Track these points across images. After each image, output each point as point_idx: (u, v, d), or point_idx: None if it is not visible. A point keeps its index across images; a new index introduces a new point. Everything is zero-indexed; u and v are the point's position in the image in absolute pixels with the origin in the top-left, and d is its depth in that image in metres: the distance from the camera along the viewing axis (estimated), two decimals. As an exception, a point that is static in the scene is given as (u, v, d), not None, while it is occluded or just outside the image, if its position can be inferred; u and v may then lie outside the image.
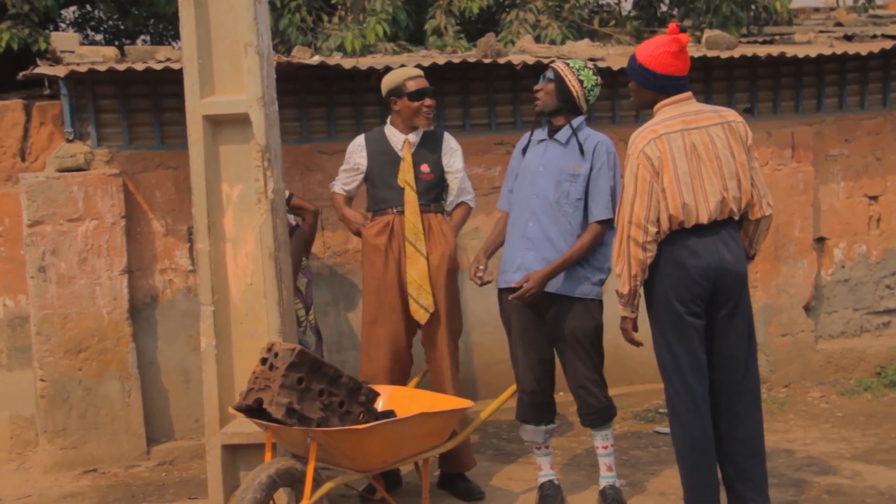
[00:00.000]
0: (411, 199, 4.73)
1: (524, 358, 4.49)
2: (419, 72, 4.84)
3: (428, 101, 4.77)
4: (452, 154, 4.89)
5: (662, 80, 3.98)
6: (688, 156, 3.93)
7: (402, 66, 5.54)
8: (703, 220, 3.93)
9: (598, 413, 4.46)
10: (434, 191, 4.83)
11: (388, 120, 4.88)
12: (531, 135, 4.58)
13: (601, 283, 4.48)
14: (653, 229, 3.93)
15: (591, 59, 5.82)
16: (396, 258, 4.72)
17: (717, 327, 4.02)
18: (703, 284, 3.95)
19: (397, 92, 4.77)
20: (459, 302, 4.92)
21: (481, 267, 4.57)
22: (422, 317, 4.71)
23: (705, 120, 3.99)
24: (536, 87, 4.51)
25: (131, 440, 5.43)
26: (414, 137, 4.80)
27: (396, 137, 4.81)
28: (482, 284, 4.57)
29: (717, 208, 3.94)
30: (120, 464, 5.39)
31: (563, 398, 4.98)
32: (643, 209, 3.92)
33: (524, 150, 4.56)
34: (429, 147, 4.83)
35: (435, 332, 4.75)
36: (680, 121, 3.97)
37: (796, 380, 6.40)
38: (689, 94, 4.04)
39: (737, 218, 4.03)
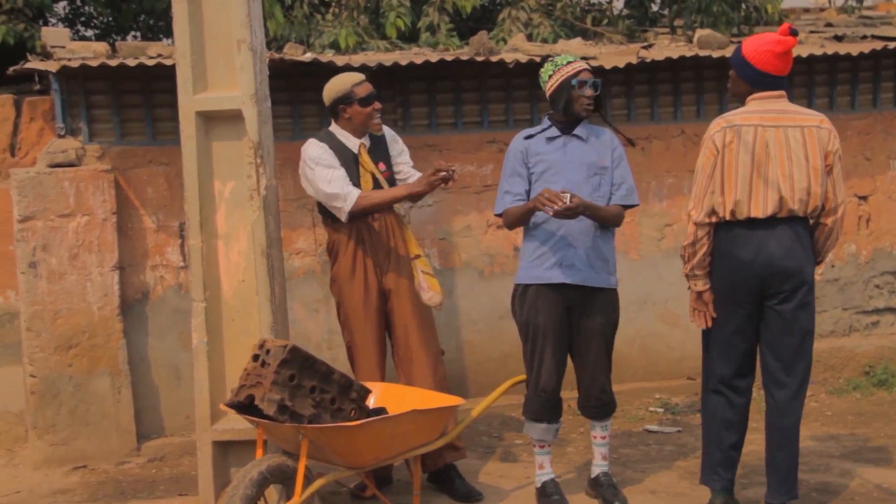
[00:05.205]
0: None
1: (552, 358, 4.47)
2: (362, 76, 4.72)
3: (377, 105, 4.71)
4: (396, 143, 4.88)
5: (760, 75, 4.13)
6: (755, 150, 4.08)
7: (395, 63, 5.56)
8: (757, 213, 4.09)
9: (607, 406, 4.59)
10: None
11: (336, 125, 4.72)
12: (527, 135, 4.53)
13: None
14: (706, 210, 4.13)
15: (584, 58, 5.83)
16: (373, 263, 4.69)
17: (768, 317, 4.20)
18: (746, 276, 4.14)
19: (346, 100, 4.64)
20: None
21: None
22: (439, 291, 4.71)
23: (787, 120, 4.12)
24: (592, 94, 4.46)
25: (121, 436, 5.42)
26: (366, 140, 4.75)
27: (352, 142, 4.69)
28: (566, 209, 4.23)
29: (774, 205, 4.08)
30: (110, 460, 5.38)
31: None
32: (701, 190, 4.14)
33: (527, 150, 4.48)
34: (378, 145, 4.80)
35: (418, 334, 4.72)
36: (759, 116, 4.12)
37: (785, 379, 6.42)
38: (782, 92, 4.17)
39: (801, 216, 4.15)
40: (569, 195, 4.22)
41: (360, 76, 4.72)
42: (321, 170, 4.61)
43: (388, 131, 4.91)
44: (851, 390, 6.25)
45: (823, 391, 6.25)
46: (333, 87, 4.69)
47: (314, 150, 4.65)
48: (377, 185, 4.72)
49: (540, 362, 4.48)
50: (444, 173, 4.48)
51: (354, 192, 4.58)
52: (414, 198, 4.74)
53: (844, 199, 4.23)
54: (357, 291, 4.69)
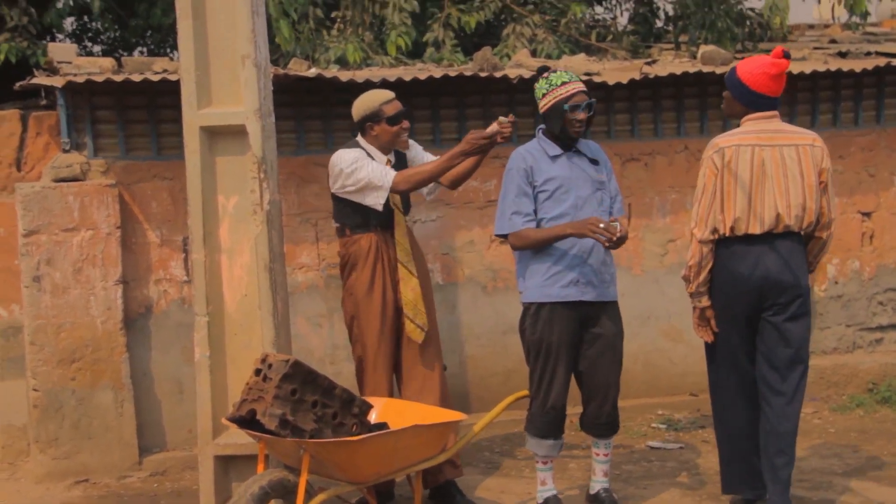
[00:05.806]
0: (400, 220, 4.72)
1: (562, 374, 4.45)
2: (392, 94, 4.74)
3: (405, 124, 4.72)
4: (410, 149, 4.88)
5: (754, 96, 4.26)
6: (752, 169, 4.21)
7: (399, 79, 5.58)
8: (755, 230, 4.22)
9: (614, 423, 4.59)
10: (410, 206, 4.87)
11: (363, 140, 4.73)
12: (527, 152, 4.51)
13: None
14: (710, 228, 4.24)
15: (587, 74, 5.85)
16: (391, 278, 4.71)
17: (763, 328, 4.32)
18: (744, 290, 4.25)
19: (375, 118, 4.66)
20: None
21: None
22: (418, 336, 4.70)
23: (781, 139, 4.26)
24: (584, 117, 4.42)
25: (124, 450, 5.42)
26: (392, 158, 4.77)
27: (380, 158, 4.69)
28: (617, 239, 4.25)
29: (770, 222, 4.21)
30: (112, 474, 5.38)
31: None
32: (704, 209, 4.25)
33: (531, 169, 4.45)
34: (402, 161, 4.82)
35: (425, 350, 4.74)
36: (755, 136, 4.25)
37: (789, 395, 6.40)
38: (776, 112, 4.31)
39: (797, 231, 4.28)
40: (618, 224, 4.27)
41: (389, 94, 4.73)
42: (363, 162, 4.59)
43: (414, 145, 4.94)
44: (855, 407, 6.22)
45: (826, 408, 6.23)
46: (362, 104, 4.71)
47: (351, 154, 4.64)
48: (405, 201, 4.77)
49: (551, 380, 4.45)
50: (486, 140, 4.45)
51: (391, 172, 4.60)
52: (465, 160, 4.60)
53: (832, 218, 4.35)
54: (375, 307, 4.68)
